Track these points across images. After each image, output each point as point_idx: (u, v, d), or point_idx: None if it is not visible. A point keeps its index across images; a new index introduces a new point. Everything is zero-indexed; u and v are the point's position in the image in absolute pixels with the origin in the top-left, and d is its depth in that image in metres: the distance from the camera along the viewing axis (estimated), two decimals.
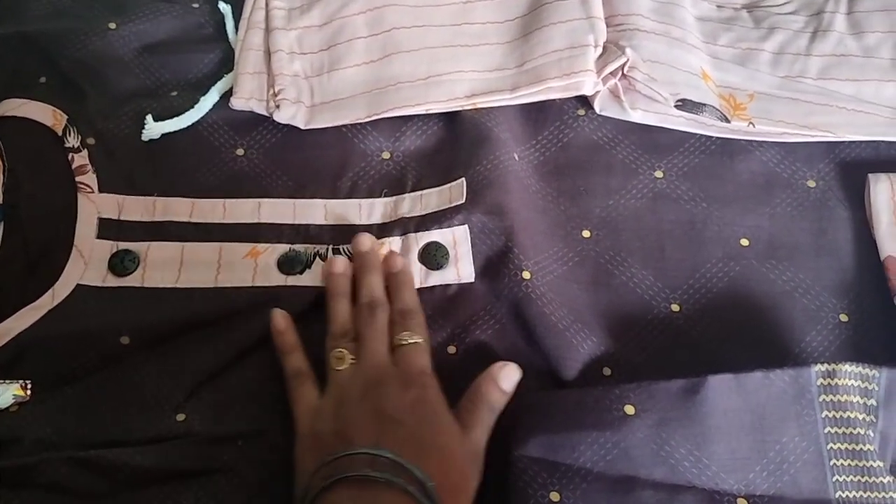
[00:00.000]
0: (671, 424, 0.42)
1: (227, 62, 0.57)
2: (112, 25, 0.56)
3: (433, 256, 0.49)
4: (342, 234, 0.51)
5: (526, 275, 0.47)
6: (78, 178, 0.52)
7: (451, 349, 0.47)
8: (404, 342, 0.45)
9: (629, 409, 0.42)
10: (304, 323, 0.47)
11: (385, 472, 0.39)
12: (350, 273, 0.49)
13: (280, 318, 0.47)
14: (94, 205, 0.51)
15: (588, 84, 0.52)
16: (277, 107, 0.53)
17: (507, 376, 0.45)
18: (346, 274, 0.49)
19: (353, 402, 0.43)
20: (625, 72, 0.53)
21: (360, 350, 0.45)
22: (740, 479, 0.42)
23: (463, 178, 0.51)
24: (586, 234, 0.51)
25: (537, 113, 0.55)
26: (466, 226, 0.50)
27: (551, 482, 0.42)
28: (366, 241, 0.49)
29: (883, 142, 0.54)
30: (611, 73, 0.53)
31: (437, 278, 0.49)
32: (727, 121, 0.52)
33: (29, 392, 0.45)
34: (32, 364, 0.46)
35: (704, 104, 0.52)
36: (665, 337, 0.48)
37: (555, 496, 0.41)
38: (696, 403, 0.42)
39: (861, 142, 0.54)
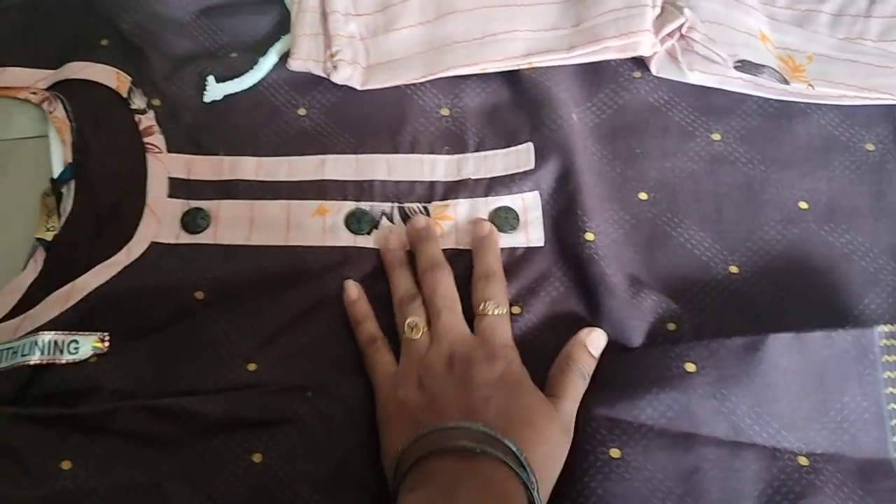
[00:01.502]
0: (732, 381, 0.43)
1: (283, 24, 0.57)
2: None
3: (504, 220, 0.50)
4: (406, 191, 0.52)
5: (589, 236, 0.48)
6: (146, 139, 0.53)
7: (516, 309, 0.47)
8: (489, 313, 0.46)
9: (690, 367, 0.43)
10: (374, 283, 0.48)
11: (482, 444, 0.39)
12: (404, 245, 0.49)
13: (352, 289, 0.48)
14: (163, 165, 0.52)
15: (645, 44, 0.52)
16: (335, 68, 0.54)
17: (595, 341, 0.45)
18: (400, 247, 0.49)
19: (438, 374, 0.43)
20: (683, 32, 0.52)
21: (433, 320, 0.45)
22: (801, 437, 0.43)
23: (530, 143, 0.51)
24: (643, 196, 0.51)
25: (592, 75, 0.55)
26: (537, 192, 0.50)
27: (611, 438, 0.42)
28: (420, 219, 0.50)
29: None
30: (668, 34, 0.53)
31: (505, 241, 0.50)
32: (786, 83, 0.52)
33: (107, 344, 0.47)
34: (109, 318, 0.47)
35: (763, 65, 0.52)
36: (723, 298, 0.48)
37: (615, 452, 0.42)
38: (756, 361, 0.43)
39: None
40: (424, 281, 0.47)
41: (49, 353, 0.47)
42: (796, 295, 0.48)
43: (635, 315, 0.46)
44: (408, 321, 0.45)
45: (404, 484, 0.40)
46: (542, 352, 0.46)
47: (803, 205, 0.51)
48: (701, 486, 0.42)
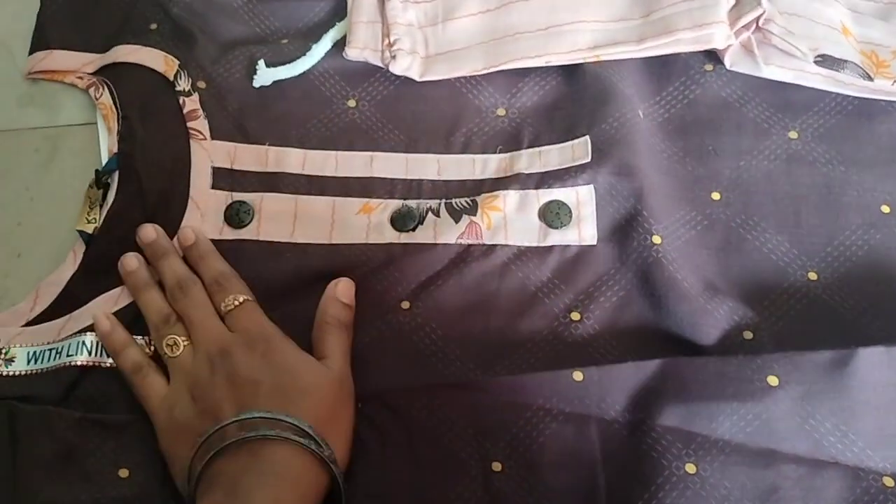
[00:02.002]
0: (818, 397, 0.40)
1: (337, 11, 0.55)
2: None
3: (555, 215, 0.47)
4: (456, 190, 0.50)
5: (656, 239, 0.46)
6: (190, 124, 0.51)
7: (575, 315, 0.45)
8: (231, 306, 0.44)
9: (772, 380, 0.41)
10: (421, 281, 0.47)
11: (258, 430, 0.39)
12: (143, 264, 0.47)
13: (103, 320, 0.45)
14: (206, 153, 0.50)
15: (720, 37, 0.50)
16: (393, 57, 0.51)
17: (345, 290, 0.46)
18: (140, 267, 0.47)
19: (205, 379, 0.42)
20: (760, 24, 0.50)
21: (191, 331, 0.44)
22: (887, 456, 0.40)
23: (587, 136, 0.49)
24: (716, 196, 0.49)
25: (661, 67, 0.53)
26: (592, 185, 0.48)
27: (687, 453, 0.40)
28: (149, 231, 0.47)
29: None
30: (744, 26, 0.50)
31: (556, 238, 0.47)
32: (870, 79, 0.49)
33: (152, 349, 0.45)
34: None
35: (846, 61, 0.49)
36: (802, 306, 0.46)
37: (691, 468, 0.40)
38: (844, 376, 0.40)
39: None
40: (175, 297, 0.45)
41: (95, 355, 0.45)
42: (879, 304, 0.45)
43: (709, 322, 0.44)
44: (165, 340, 0.44)
45: (197, 496, 0.39)
46: (607, 359, 0.44)
47: (886, 208, 0.48)
48: None
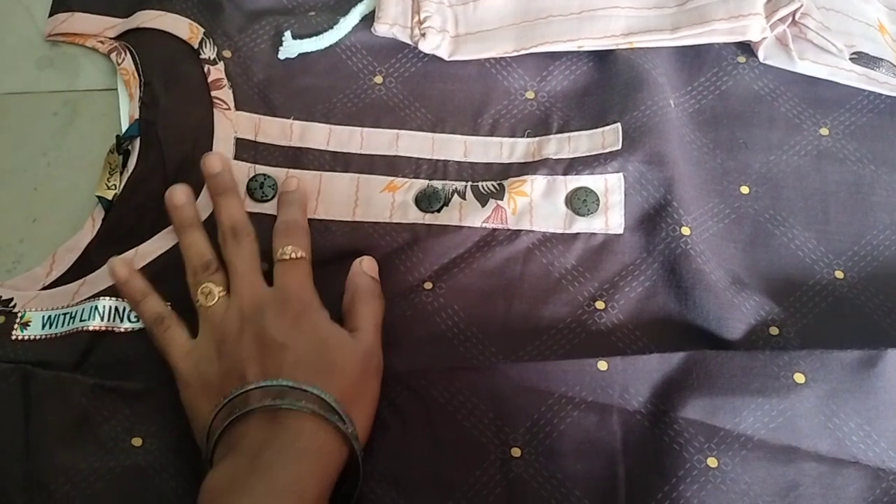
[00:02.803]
0: (843, 396, 0.40)
1: None
2: None
3: (583, 202, 0.47)
4: (482, 173, 0.49)
5: (685, 230, 0.45)
6: (214, 93, 0.50)
7: (600, 304, 0.45)
8: (287, 256, 0.43)
9: (799, 378, 0.40)
10: (444, 263, 0.46)
11: (285, 400, 0.38)
12: (192, 201, 0.46)
13: (121, 267, 0.44)
14: (230, 123, 0.49)
15: (755, 28, 0.49)
16: (423, 35, 0.50)
17: (371, 266, 0.45)
18: (188, 203, 0.45)
19: (232, 336, 0.41)
20: (796, 18, 0.49)
21: (232, 282, 0.43)
22: None
23: (618, 123, 0.48)
24: (745, 189, 0.48)
25: (693, 58, 0.52)
26: (622, 174, 0.47)
27: (709, 447, 0.40)
28: (216, 161, 0.46)
29: None
30: (780, 19, 0.49)
31: (582, 225, 0.47)
32: None
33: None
34: (172, 286, 0.45)
35: (881, 59, 0.49)
36: (828, 304, 0.45)
37: (713, 462, 0.40)
38: (872, 376, 0.40)
39: None
40: (225, 241, 0.44)
41: (109, 320, 0.44)
42: None
43: (736, 316, 0.44)
44: (201, 288, 0.43)
45: (215, 456, 0.39)
46: (630, 349, 0.44)
47: None
48: (799, 502, 0.39)
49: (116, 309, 0.45)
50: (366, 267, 0.45)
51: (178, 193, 0.45)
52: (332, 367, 0.40)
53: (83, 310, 0.44)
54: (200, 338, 0.42)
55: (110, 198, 0.48)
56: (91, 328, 0.44)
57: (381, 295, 0.45)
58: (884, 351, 0.40)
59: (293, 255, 0.43)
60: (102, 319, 0.44)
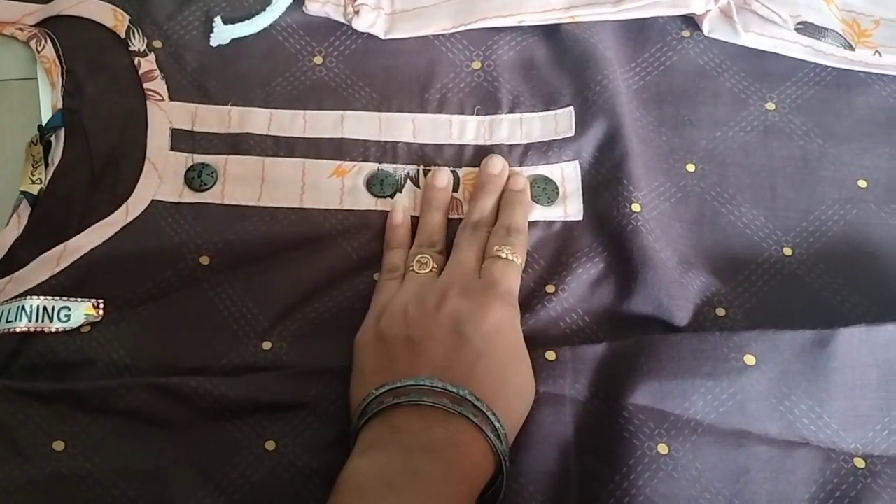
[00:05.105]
0: (795, 378, 0.39)
1: None
2: None
3: (542, 190, 0.46)
4: (433, 154, 0.48)
5: (636, 207, 0.44)
6: (146, 85, 0.48)
7: (550, 288, 0.44)
8: (501, 255, 0.42)
9: (749, 360, 0.40)
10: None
11: (463, 408, 0.36)
12: (451, 187, 0.46)
13: (399, 213, 0.45)
14: (165, 114, 0.47)
15: (699, 1, 0.48)
16: (356, 13, 0.49)
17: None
18: (447, 189, 0.46)
19: (428, 307, 0.40)
20: None
21: (452, 257, 0.43)
22: (859, 437, 0.40)
23: (571, 108, 0.47)
24: (691, 167, 0.47)
25: (637, 33, 0.51)
26: (577, 161, 0.46)
27: (659, 433, 0.39)
28: (497, 163, 0.46)
29: None
30: None
31: (540, 213, 0.46)
32: (851, 48, 0.48)
33: (101, 312, 0.43)
34: (105, 283, 0.43)
35: (827, 29, 0.48)
36: (776, 282, 0.45)
37: (663, 448, 0.39)
38: (824, 357, 0.39)
39: None
40: (465, 227, 0.45)
41: (37, 321, 0.42)
42: (855, 280, 0.45)
43: (683, 295, 0.43)
44: (419, 257, 0.43)
45: (366, 429, 0.37)
46: (578, 336, 0.43)
47: (862, 183, 0.47)
48: (750, 487, 0.39)
49: (45, 308, 0.43)
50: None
51: (442, 176, 0.46)
52: (511, 394, 0.39)
53: (9, 310, 0.42)
54: (399, 293, 0.41)
55: (36, 192, 0.46)
56: (18, 329, 0.42)
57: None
58: (836, 331, 0.39)
59: (508, 256, 0.42)
60: (30, 320, 0.42)
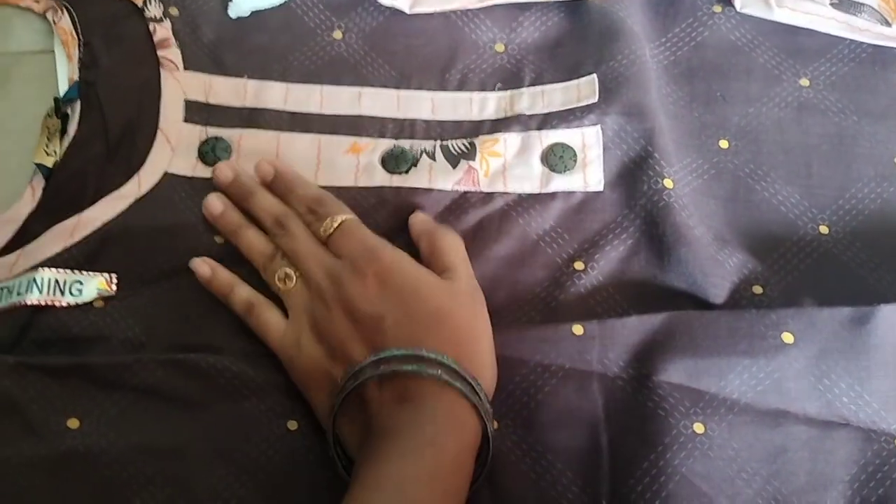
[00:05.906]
0: (833, 356, 0.38)
1: None
2: None
3: (559, 158, 0.44)
4: (451, 130, 0.46)
5: (668, 183, 0.43)
6: (160, 53, 0.47)
7: (579, 265, 0.42)
8: (331, 229, 0.41)
9: (787, 337, 0.38)
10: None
11: (413, 365, 0.36)
12: (230, 205, 0.44)
13: (203, 266, 0.42)
14: (179, 84, 0.46)
15: None
16: None
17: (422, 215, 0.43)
18: (227, 208, 0.43)
19: (323, 316, 0.39)
20: None
21: (298, 265, 0.41)
22: None
23: (594, 74, 0.46)
24: (724, 144, 0.46)
25: (667, 7, 0.50)
26: (599, 126, 0.45)
27: (694, 412, 0.38)
28: (227, 172, 0.44)
29: None
30: None
31: (560, 183, 0.44)
32: (887, 24, 0.47)
33: (114, 287, 0.42)
34: (118, 258, 0.42)
35: (863, 4, 0.47)
36: (812, 261, 0.43)
37: (699, 427, 0.38)
38: (863, 334, 0.38)
39: None
40: (275, 235, 0.42)
41: (49, 294, 0.41)
42: (892, 259, 0.43)
43: (719, 273, 0.42)
44: (276, 275, 0.41)
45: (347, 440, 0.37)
46: (609, 313, 0.42)
47: None
48: (788, 468, 0.38)
49: (57, 282, 0.41)
50: (420, 217, 0.43)
51: (214, 202, 0.43)
52: (436, 317, 0.38)
53: (21, 282, 0.41)
54: (292, 321, 0.40)
55: (50, 164, 0.45)
56: (30, 302, 0.40)
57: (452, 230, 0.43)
58: (876, 307, 0.38)
59: (334, 226, 0.41)
60: (41, 293, 0.41)
